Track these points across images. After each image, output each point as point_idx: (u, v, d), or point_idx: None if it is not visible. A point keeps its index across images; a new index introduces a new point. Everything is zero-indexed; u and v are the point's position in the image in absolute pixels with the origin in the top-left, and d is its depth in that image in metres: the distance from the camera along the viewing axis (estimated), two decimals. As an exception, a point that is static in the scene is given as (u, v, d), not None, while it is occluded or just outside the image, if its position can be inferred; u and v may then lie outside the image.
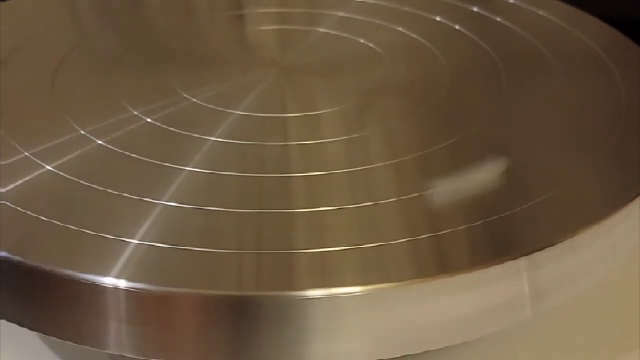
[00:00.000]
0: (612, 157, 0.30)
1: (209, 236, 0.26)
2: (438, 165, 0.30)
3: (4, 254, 0.26)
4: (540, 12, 0.42)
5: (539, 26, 0.41)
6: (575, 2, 0.41)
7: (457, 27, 0.40)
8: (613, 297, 0.33)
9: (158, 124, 0.32)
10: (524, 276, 0.26)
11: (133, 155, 0.30)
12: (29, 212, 0.27)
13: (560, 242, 0.26)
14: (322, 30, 0.40)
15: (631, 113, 0.33)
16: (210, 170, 0.29)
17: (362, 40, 0.39)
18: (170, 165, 0.30)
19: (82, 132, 0.31)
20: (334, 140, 0.31)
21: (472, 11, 0.42)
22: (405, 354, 0.26)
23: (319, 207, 0.28)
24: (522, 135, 0.32)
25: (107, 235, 0.26)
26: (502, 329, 0.27)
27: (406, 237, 0.26)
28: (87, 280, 0.25)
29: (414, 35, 0.40)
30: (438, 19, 0.41)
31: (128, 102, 0.33)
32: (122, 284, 0.25)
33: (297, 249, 0.26)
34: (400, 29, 0.40)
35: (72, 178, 0.29)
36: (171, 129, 0.32)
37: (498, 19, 0.41)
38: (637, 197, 0.28)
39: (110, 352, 0.26)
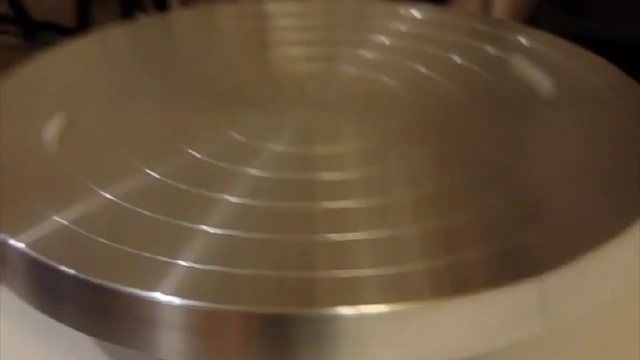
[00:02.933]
0: (614, 183, 0.33)
1: (251, 259, 0.30)
2: (455, 195, 0.33)
3: (72, 272, 0.29)
4: (547, 51, 0.45)
5: (546, 63, 0.44)
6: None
7: (472, 65, 0.44)
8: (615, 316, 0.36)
9: (203, 158, 0.36)
10: (533, 296, 0.29)
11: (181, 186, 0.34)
12: (95, 237, 0.31)
13: (567, 265, 0.29)
14: (348, 69, 0.44)
15: (630, 144, 0.36)
16: (254, 201, 0.33)
17: (385, 79, 0.43)
18: (215, 195, 0.33)
19: (139, 166, 0.35)
20: (357, 175, 0.35)
21: (486, 51, 0.45)
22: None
23: (345, 236, 0.31)
24: (534, 165, 0.35)
25: (161, 258, 0.29)
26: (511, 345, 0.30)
27: (425, 262, 0.29)
28: (145, 296, 0.28)
29: (432, 74, 0.43)
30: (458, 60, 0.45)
31: (180, 139, 0.37)
32: (176, 300, 0.28)
33: (324, 272, 0.29)
34: (420, 68, 0.44)
35: (130, 206, 0.32)
36: (214, 162, 0.35)
37: (510, 59, 0.45)
38: (635, 221, 0.31)
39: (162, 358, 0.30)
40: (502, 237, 0.31)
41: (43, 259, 0.30)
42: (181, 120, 0.39)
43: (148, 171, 0.35)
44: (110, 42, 0.49)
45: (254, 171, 0.35)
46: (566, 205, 0.32)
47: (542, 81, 0.42)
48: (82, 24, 1.20)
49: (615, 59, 0.42)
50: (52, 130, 0.38)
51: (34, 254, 0.30)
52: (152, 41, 0.49)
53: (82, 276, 0.29)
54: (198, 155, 0.36)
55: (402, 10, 0.51)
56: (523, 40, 0.46)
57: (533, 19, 1.18)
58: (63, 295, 0.30)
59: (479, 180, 0.34)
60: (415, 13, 0.50)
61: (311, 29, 0.50)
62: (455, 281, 0.29)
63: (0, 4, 1.36)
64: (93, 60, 0.46)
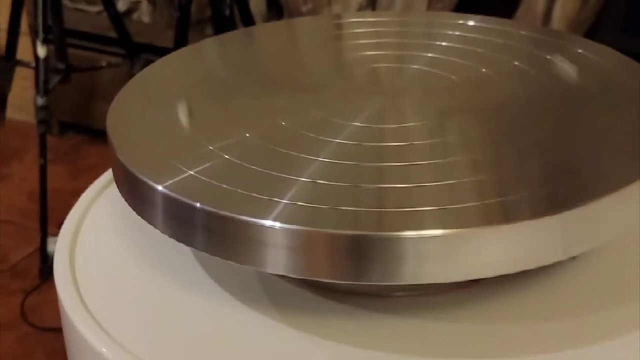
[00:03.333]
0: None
1: (333, 199, 0.39)
2: (502, 159, 0.42)
3: (199, 205, 0.39)
4: (597, 58, 0.53)
5: (591, 68, 0.52)
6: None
7: (523, 66, 0.52)
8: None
9: (295, 129, 0.45)
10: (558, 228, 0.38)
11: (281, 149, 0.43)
12: (213, 182, 0.41)
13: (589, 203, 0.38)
14: (414, 67, 0.53)
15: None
16: (336, 160, 0.42)
17: (445, 74, 0.52)
18: (305, 156, 0.42)
19: (246, 134, 0.45)
20: (420, 143, 0.44)
21: (539, 55, 0.54)
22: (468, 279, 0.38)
23: (409, 184, 0.40)
24: (569, 139, 0.43)
25: (264, 197, 0.39)
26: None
27: (471, 202, 0.38)
28: (255, 222, 0.38)
29: (488, 71, 0.52)
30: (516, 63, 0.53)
31: (277, 117, 0.47)
32: (278, 225, 0.38)
33: (391, 208, 0.38)
34: (479, 67, 0.52)
35: (239, 162, 0.42)
36: (304, 133, 0.45)
37: (557, 62, 0.53)
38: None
39: (268, 271, 0.39)
40: (535, 187, 0.39)
41: (179, 197, 0.40)
42: (276, 104, 0.49)
43: (247, 135, 0.45)
44: (211, 50, 0.60)
45: (336, 140, 0.44)
46: (589, 164, 0.41)
47: (580, 79, 0.50)
48: (179, 45, 1.33)
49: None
50: (178, 113, 0.48)
51: (172, 194, 0.40)
52: (244, 48, 0.59)
53: (209, 208, 0.39)
54: (291, 128, 0.46)
55: (467, 20, 0.60)
56: (571, 47, 0.54)
57: (589, 34, 1.24)
58: (193, 225, 0.40)
59: (522, 147, 0.43)
60: (479, 23, 0.59)
61: (383, 34, 0.59)
62: (494, 215, 0.37)
63: (107, 29, 1.50)
64: (199, 65, 0.56)
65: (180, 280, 0.46)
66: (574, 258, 0.45)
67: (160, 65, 0.55)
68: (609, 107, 0.47)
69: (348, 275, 0.38)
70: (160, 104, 0.49)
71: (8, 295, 1.26)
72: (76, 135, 1.73)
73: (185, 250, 0.47)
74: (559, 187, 0.39)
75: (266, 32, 0.64)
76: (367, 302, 0.43)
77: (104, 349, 0.42)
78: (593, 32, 1.25)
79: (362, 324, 0.42)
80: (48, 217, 1.26)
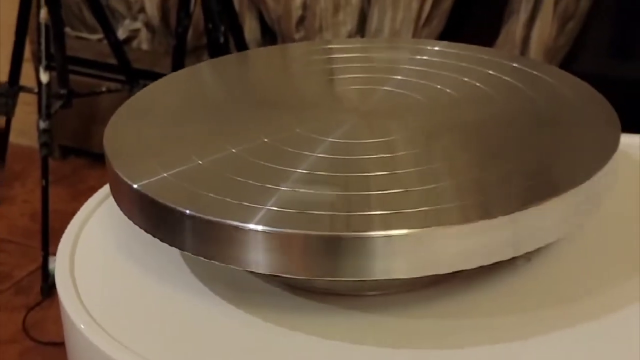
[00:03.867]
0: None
1: (309, 206, 0.44)
2: (467, 164, 0.47)
3: (188, 211, 0.44)
4: (550, 79, 0.58)
5: (544, 88, 0.57)
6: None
7: (486, 88, 0.57)
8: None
9: (275, 144, 0.50)
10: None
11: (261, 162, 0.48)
12: (202, 191, 0.45)
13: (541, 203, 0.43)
14: (388, 89, 0.58)
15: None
16: (314, 172, 0.47)
17: (416, 96, 0.56)
18: (285, 168, 0.47)
19: (228, 147, 0.50)
20: (392, 155, 0.49)
21: (501, 78, 0.59)
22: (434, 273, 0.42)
23: (382, 191, 0.45)
24: (519, 151, 0.48)
25: (248, 204, 0.44)
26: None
27: (432, 205, 0.43)
28: (240, 226, 0.42)
29: (453, 92, 0.57)
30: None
31: (259, 133, 0.52)
32: (260, 228, 0.42)
33: (360, 211, 0.43)
34: (444, 89, 0.57)
35: (221, 171, 0.47)
36: (283, 147, 0.50)
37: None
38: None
39: (249, 270, 0.43)
40: (488, 192, 0.44)
41: (171, 205, 0.44)
42: (261, 123, 0.53)
43: (234, 150, 0.49)
44: (204, 73, 0.65)
45: (314, 154, 0.49)
46: (535, 172, 0.46)
47: (533, 97, 0.55)
48: (176, 71, 1.38)
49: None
50: (171, 130, 0.53)
51: (165, 202, 0.45)
52: (234, 71, 0.64)
53: (199, 215, 0.43)
54: (274, 144, 0.50)
55: (436, 46, 0.65)
56: (525, 68, 0.59)
57: (567, 60, 1.29)
58: (184, 230, 0.45)
59: (478, 158, 0.48)
60: (446, 49, 0.64)
61: (364, 60, 0.64)
62: (452, 217, 0.42)
63: (108, 56, 1.56)
64: (191, 86, 0.61)
65: (172, 283, 0.50)
66: (529, 260, 0.50)
67: (156, 87, 0.60)
68: (555, 124, 0.52)
69: (324, 273, 0.43)
70: (155, 121, 0.54)
71: (11, 311, 1.31)
72: (77, 158, 1.79)
73: (175, 256, 0.52)
74: (508, 191, 0.44)
75: (256, 57, 0.70)
76: (341, 301, 0.47)
77: (102, 345, 0.46)
78: (571, 58, 1.31)
79: (336, 320, 0.46)
80: (49, 237, 1.31)
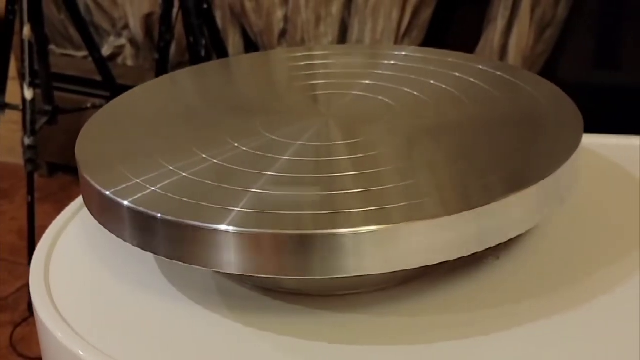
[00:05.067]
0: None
1: (276, 207, 0.44)
2: (429, 163, 0.48)
3: (159, 214, 0.45)
4: (519, 83, 0.59)
5: (511, 90, 0.58)
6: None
7: (452, 90, 0.58)
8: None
9: (246, 149, 0.51)
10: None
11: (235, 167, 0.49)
12: (173, 196, 0.46)
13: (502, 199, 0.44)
14: (358, 94, 0.59)
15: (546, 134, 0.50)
16: (284, 174, 0.48)
17: (383, 99, 0.58)
18: (255, 171, 0.48)
19: (200, 153, 0.50)
20: (357, 156, 0.50)
21: (467, 80, 0.60)
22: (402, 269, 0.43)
23: (344, 190, 0.46)
24: (481, 151, 0.49)
25: (219, 206, 0.45)
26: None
27: (399, 202, 0.44)
28: (210, 227, 0.43)
29: (420, 95, 0.58)
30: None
31: (230, 138, 0.52)
32: (231, 229, 0.43)
33: (328, 210, 0.44)
34: (413, 92, 0.58)
35: (193, 177, 0.48)
36: (253, 152, 0.50)
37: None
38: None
39: (220, 271, 0.44)
40: (450, 189, 0.45)
41: (143, 210, 0.45)
42: (231, 128, 0.54)
43: (204, 156, 0.50)
44: (180, 80, 0.66)
45: (284, 157, 0.50)
46: (496, 170, 0.47)
47: (499, 100, 0.56)
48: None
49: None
50: (142, 137, 0.54)
51: (137, 207, 0.46)
52: (208, 79, 0.65)
53: (170, 218, 0.44)
54: (244, 148, 0.51)
55: (406, 52, 0.66)
56: (494, 71, 0.60)
57: (547, 68, 1.31)
58: (156, 234, 0.45)
59: (441, 158, 0.49)
60: (421, 54, 0.65)
61: (341, 66, 0.65)
62: (417, 213, 0.43)
63: (93, 72, 1.57)
64: (164, 94, 0.62)
65: (147, 290, 0.51)
66: (498, 258, 0.51)
67: (128, 96, 0.61)
68: (520, 123, 0.53)
69: (295, 271, 0.43)
70: (127, 129, 0.55)
71: (-1, 328, 1.31)
72: (65, 175, 1.79)
73: (149, 261, 0.52)
74: (473, 188, 0.45)
75: (229, 65, 0.71)
76: (312, 302, 0.48)
77: (79, 351, 0.47)
78: (551, 66, 1.32)
79: (307, 320, 0.47)
80: (36, 253, 1.31)
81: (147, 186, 0.47)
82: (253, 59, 0.73)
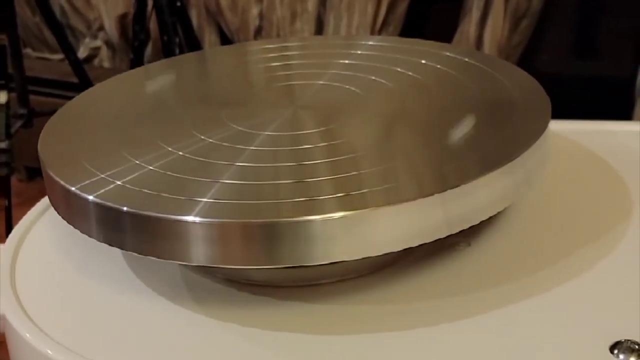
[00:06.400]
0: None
1: (243, 196, 0.44)
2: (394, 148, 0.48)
3: (125, 208, 0.44)
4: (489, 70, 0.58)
5: (479, 76, 0.58)
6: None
7: (418, 76, 0.58)
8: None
9: (212, 141, 0.50)
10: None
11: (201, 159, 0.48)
12: (139, 189, 0.45)
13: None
14: (330, 84, 0.59)
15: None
16: (251, 164, 0.47)
17: (351, 88, 0.57)
18: (222, 162, 0.47)
19: (166, 146, 0.50)
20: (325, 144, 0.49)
21: (436, 67, 0.59)
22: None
23: (314, 178, 0.45)
24: (448, 136, 0.49)
25: (185, 198, 0.44)
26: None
27: (366, 188, 0.43)
28: (178, 219, 0.43)
29: (388, 84, 0.57)
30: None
31: (197, 131, 0.52)
32: (198, 219, 0.42)
33: (295, 198, 0.43)
34: (381, 80, 0.58)
35: (161, 170, 0.47)
36: (220, 143, 0.50)
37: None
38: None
39: (189, 264, 0.43)
40: (417, 174, 0.45)
41: (109, 204, 0.45)
42: (198, 120, 0.54)
43: (170, 149, 0.50)
44: (151, 73, 0.65)
45: (250, 147, 0.49)
46: (464, 154, 0.46)
47: (467, 86, 0.56)
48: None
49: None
50: (108, 132, 0.53)
51: (102, 202, 0.45)
52: (174, 73, 0.65)
53: (137, 211, 0.44)
54: (210, 140, 0.51)
55: (379, 42, 0.65)
56: (468, 59, 0.60)
57: (524, 59, 1.30)
58: (123, 229, 0.45)
59: (409, 143, 0.49)
60: (388, 43, 0.65)
61: (309, 56, 0.65)
62: (385, 198, 0.42)
63: (70, 75, 1.56)
64: (130, 88, 0.62)
65: (115, 286, 0.50)
66: (469, 244, 0.51)
67: (93, 91, 0.60)
68: (488, 108, 0.53)
69: (262, 261, 0.43)
70: (91, 124, 0.55)
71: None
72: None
73: (116, 257, 0.52)
74: (440, 172, 0.45)
75: (197, 58, 0.70)
76: (280, 293, 0.48)
77: (48, 351, 0.46)
78: (527, 56, 1.32)
79: (275, 312, 0.47)
80: (15, 258, 1.30)
81: (113, 180, 0.47)
82: (227, 51, 0.72)
